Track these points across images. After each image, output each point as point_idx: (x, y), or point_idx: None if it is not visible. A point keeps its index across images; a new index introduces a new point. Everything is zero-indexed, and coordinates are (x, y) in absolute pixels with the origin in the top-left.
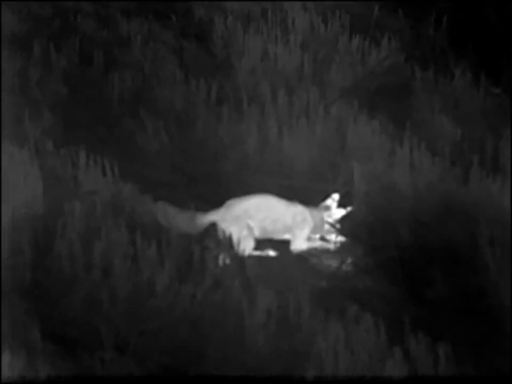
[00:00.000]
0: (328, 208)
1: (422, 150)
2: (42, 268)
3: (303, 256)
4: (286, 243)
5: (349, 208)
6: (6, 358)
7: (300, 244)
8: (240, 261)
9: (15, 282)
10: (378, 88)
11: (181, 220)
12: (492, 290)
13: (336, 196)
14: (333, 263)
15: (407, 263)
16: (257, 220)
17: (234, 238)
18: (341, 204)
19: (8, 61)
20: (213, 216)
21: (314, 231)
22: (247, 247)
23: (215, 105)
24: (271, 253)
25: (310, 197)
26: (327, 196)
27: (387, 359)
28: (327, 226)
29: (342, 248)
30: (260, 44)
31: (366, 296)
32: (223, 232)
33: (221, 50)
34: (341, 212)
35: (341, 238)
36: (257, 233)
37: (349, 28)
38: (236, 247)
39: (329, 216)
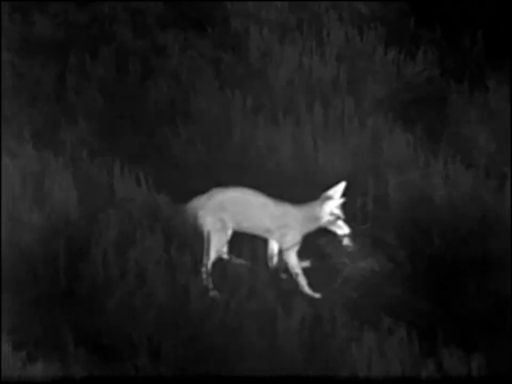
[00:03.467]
0: (328, 198)
1: (457, 162)
2: (77, 274)
3: (336, 267)
4: (322, 253)
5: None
6: (39, 364)
7: (290, 259)
8: (274, 271)
9: (50, 288)
10: (413, 100)
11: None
12: None
13: (341, 186)
14: (364, 272)
15: (441, 275)
16: (230, 213)
17: (206, 229)
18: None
19: (44, 68)
20: (196, 202)
21: (305, 228)
22: (218, 242)
23: (251, 115)
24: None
25: (344, 207)
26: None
27: (420, 370)
28: (328, 218)
29: (375, 257)
30: (296, 55)
31: (399, 307)
32: (199, 220)
33: (257, 60)
34: (336, 202)
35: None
36: (231, 226)
37: (384, 40)
38: (206, 240)
39: (325, 209)
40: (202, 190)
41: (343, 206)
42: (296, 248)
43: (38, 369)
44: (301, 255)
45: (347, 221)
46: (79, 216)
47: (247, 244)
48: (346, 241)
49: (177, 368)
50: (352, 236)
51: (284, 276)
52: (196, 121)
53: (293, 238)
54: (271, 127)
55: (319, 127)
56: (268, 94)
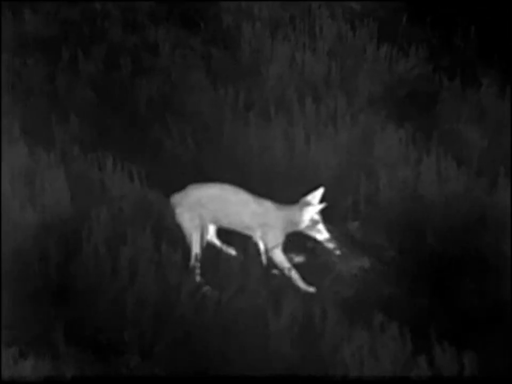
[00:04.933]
0: (306, 204)
1: (449, 159)
2: (69, 272)
3: (328, 265)
4: (313, 249)
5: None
6: (30, 361)
7: (276, 256)
8: (265, 267)
9: (42, 286)
10: (405, 97)
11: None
12: None
13: (319, 192)
14: (356, 270)
15: (433, 272)
16: (208, 210)
17: (185, 226)
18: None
19: (36, 65)
20: (173, 199)
21: (286, 229)
22: (198, 238)
23: (243, 112)
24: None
25: (336, 204)
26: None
27: (412, 367)
28: (306, 224)
29: (366, 255)
30: (288, 51)
31: (392, 304)
32: (177, 217)
33: (249, 57)
34: (316, 208)
35: (326, 233)
36: (210, 222)
37: (376, 36)
38: (187, 237)
39: (307, 213)
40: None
41: (331, 209)
42: (280, 246)
43: (29, 367)
44: (294, 250)
45: (339, 217)
46: (71, 213)
47: (239, 238)
48: (330, 245)
49: (168, 366)
50: (334, 236)
51: (276, 271)
52: (187, 117)
53: (275, 236)
54: (262, 123)
55: (311, 123)
56: (260, 91)
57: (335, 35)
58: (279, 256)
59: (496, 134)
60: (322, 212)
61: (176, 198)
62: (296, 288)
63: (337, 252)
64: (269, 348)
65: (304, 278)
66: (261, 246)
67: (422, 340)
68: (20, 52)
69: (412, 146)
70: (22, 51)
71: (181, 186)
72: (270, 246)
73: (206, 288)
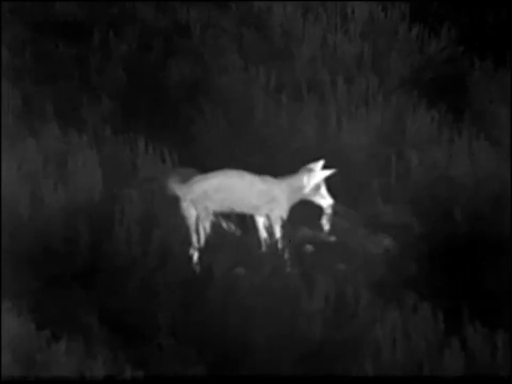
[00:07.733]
0: (310, 170)
1: (481, 140)
2: (100, 254)
3: (358, 245)
4: (342, 229)
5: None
6: (63, 345)
7: (276, 231)
8: (297, 248)
9: (73, 267)
10: (437, 77)
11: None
12: None
13: (320, 163)
14: (383, 250)
15: (466, 252)
16: (214, 200)
17: (191, 221)
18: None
19: (67, 47)
20: (178, 191)
21: (291, 200)
22: (206, 226)
23: (274, 93)
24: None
25: (366, 184)
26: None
27: (444, 348)
28: (310, 188)
29: (398, 235)
30: (319, 32)
31: (424, 285)
32: (183, 211)
33: (280, 38)
34: (322, 174)
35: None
36: (215, 209)
37: (408, 16)
38: (194, 228)
39: (309, 180)
40: (225, 167)
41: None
42: (281, 222)
43: (61, 350)
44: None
45: (369, 198)
46: (102, 195)
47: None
48: (328, 210)
49: (201, 349)
50: (337, 209)
51: (309, 247)
52: (219, 99)
53: (280, 211)
54: (294, 104)
55: (342, 104)
56: (292, 72)
57: (367, 16)
58: (278, 232)
59: None
60: (353, 192)
61: (181, 191)
62: (329, 269)
63: (327, 228)
64: (300, 329)
65: (336, 259)
66: (260, 223)
67: (454, 320)
68: (51, 34)
69: (443, 127)
70: (54, 33)
71: (211, 167)
72: (274, 220)
73: (239, 270)
